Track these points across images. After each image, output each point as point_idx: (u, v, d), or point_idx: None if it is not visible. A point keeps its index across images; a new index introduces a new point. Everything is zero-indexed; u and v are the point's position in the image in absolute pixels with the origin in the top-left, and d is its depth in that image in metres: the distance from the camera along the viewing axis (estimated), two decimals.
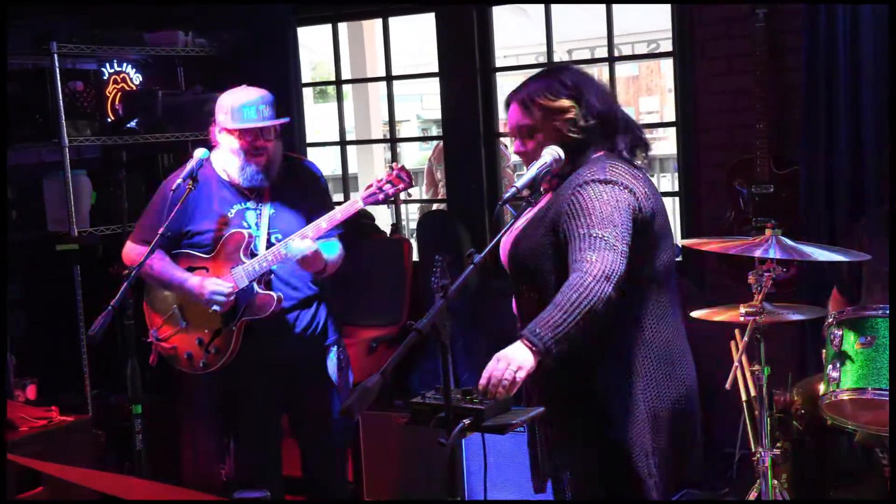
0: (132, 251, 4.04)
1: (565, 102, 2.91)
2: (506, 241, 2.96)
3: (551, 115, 2.91)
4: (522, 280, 2.94)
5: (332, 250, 3.97)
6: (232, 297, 3.86)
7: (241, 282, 3.87)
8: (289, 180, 4.00)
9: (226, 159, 3.94)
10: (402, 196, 3.93)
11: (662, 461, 2.86)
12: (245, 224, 3.93)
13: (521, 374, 2.60)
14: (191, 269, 3.95)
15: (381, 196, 3.81)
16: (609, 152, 2.94)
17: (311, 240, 3.79)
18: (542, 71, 3.07)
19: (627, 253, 2.71)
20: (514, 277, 2.97)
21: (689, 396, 2.94)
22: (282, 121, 3.95)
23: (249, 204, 3.95)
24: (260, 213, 3.94)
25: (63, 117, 4.85)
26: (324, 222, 3.83)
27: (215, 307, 3.87)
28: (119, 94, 5.54)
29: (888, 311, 3.66)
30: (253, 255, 3.89)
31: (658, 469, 2.85)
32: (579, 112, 2.90)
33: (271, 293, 3.88)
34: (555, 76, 2.97)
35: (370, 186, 3.84)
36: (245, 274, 3.87)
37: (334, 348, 4.09)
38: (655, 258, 2.88)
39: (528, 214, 2.96)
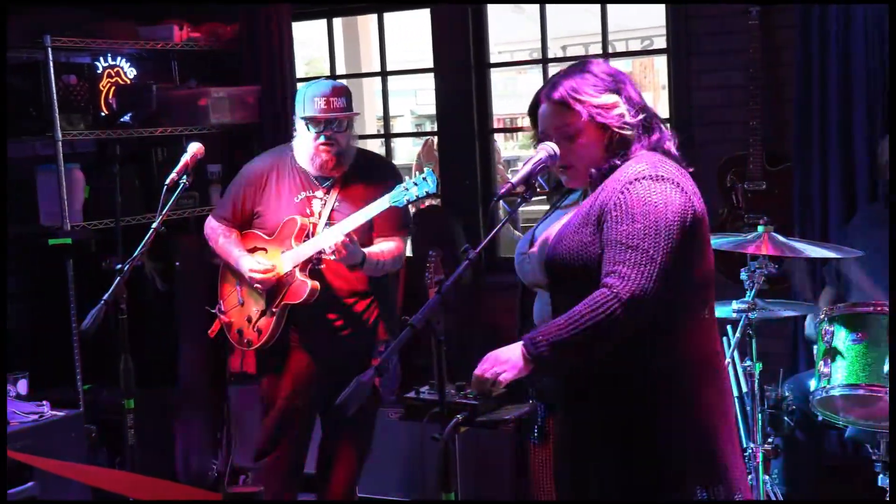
0: (207, 226, 4.23)
1: (611, 97, 2.67)
2: (543, 239, 2.73)
3: (599, 113, 2.66)
4: (561, 281, 2.67)
5: (387, 249, 4.02)
6: (271, 279, 3.94)
7: (284, 266, 3.94)
8: (361, 174, 4.05)
9: (301, 147, 4.03)
10: None
11: (712, 470, 2.65)
12: (308, 211, 4.00)
13: (507, 376, 2.54)
14: (254, 249, 4.06)
15: (405, 199, 3.81)
16: (650, 149, 2.71)
17: (346, 234, 3.80)
18: (570, 66, 2.77)
19: (668, 263, 2.51)
20: (553, 279, 2.69)
21: (732, 403, 2.80)
22: (348, 113, 3.99)
23: (318, 192, 4.02)
24: (325, 203, 4.00)
25: (57, 111, 4.82)
26: (361, 216, 3.84)
27: (257, 286, 4.00)
28: (113, 87, 5.51)
29: (880, 308, 3.68)
30: None
31: (710, 477, 2.64)
32: (625, 107, 2.68)
33: (306, 280, 3.93)
34: (589, 70, 2.71)
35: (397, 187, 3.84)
36: (290, 259, 3.94)
37: (384, 347, 4.11)
38: (706, 259, 2.68)
39: (552, 214, 2.83)
